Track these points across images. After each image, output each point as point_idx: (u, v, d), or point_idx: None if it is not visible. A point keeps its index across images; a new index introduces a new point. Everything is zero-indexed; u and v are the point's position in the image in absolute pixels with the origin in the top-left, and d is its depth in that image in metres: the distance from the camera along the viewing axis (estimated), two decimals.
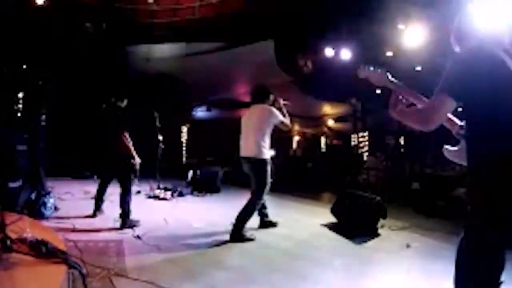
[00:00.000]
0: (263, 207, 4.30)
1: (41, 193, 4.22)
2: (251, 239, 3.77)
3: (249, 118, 4.10)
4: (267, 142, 3.96)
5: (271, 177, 4.02)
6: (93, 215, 4.34)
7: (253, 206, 3.87)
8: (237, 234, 3.72)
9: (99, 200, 4.42)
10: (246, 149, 4.00)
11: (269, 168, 3.94)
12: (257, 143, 3.89)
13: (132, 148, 4.13)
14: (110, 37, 6.89)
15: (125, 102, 4.36)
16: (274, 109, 4.03)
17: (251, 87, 4.32)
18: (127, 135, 4.10)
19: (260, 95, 4.16)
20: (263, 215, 4.35)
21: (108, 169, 4.45)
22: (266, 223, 4.36)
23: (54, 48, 6.07)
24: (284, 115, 4.14)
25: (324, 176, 10.36)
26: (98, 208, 4.41)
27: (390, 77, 1.85)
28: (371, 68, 1.82)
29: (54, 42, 6.10)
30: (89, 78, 7.56)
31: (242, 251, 3.51)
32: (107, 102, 4.33)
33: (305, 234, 4.32)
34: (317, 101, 11.21)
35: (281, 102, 4.27)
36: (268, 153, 3.96)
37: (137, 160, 4.17)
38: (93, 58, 7.24)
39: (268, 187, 3.92)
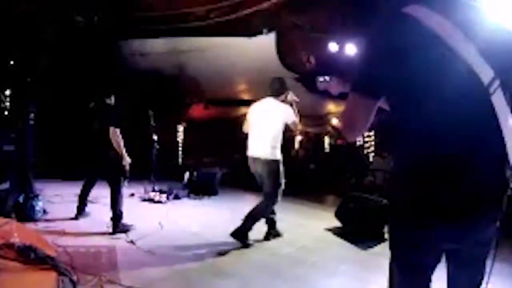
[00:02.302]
0: (273, 212, 4.14)
1: (29, 196, 4.22)
2: (248, 245, 3.74)
3: (263, 114, 3.94)
4: (279, 141, 3.90)
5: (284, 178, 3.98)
6: (75, 218, 4.32)
7: (266, 206, 3.88)
8: (241, 233, 3.72)
9: (81, 203, 4.40)
10: (258, 148, 3.90)
11: (282, 168, 3.91)
12: (271, 143, 3.84)
13: (122, 147, 4.09)
14: (102, 31, 6.88)
15: (113, 99, 4.33)
16: (289, 107, 3.94)
17: (269, 79, 4.13)
18: (117, 133, 4.05)
19: (277, 87, 4.02)
20: (271, 222, 4.15)
21: (95, 169, 4.43)
22: (272, 233, 4.16)
23: (43, 43, 6.07)
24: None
25: (328, 178, 10.36)
26: (80, 212, 4.37)
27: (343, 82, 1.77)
28: (326, 79, 1.81)
29: (43, 36, 6.09)
30: (80, 75, 7.55)
31: (242, 257, 3.51)
32: (95, 100, 4.32)
33: (308, 239, 4.32)
34: (321, 99, 11.18)
35: (294, 98, 4.10)
36: (279, 152, 3.91)
37: (127, 160, 4.14)
38: (84, 53, 7.23)
39: (282, 187, 3.91)
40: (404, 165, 1.23)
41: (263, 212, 3.88)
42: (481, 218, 1.16)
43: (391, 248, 1.32)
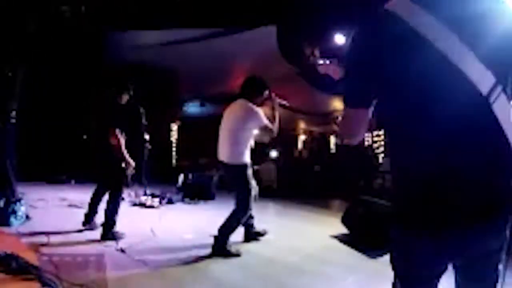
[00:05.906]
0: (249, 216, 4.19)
1: (10, 200, 4.22)
2: (237, 255, 3.70)
3: (227, 115, 3.96)
4: (246, 144, 3.83)
5: (258, 183, 3.96)
6: (83, 226, 4.23)
7: (239, 217, 3.79)
8: (220, 248, 3.67)
9: (91, 210, 4.28)
10: (221, 152, 3.92)
11: (249, 172, 3.84)
12: (235, 147, 3.80)
13: (124, 149, 4.03)
14: (89, 22, 6.89)
15: (125, 98, 4.27)
16: (256, 110, 3.80)
17: (245, 78, 4.07)
18: (118, 134, 3.98)
19: (251, 88, 3.94)
20: (248, 226, 4.26)
21: (101, 173, 4.37)
22: (252, 235, 4.29)
23: (26, 35, 6.07)
24: (272, 120, 3.89)
25: (334, 180, 10.36)
26: (88, 220, 4.25)
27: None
28: (326, 61, 1.82)
29: (26, 28, 6.10)
30: (65, 69, 7.55)
31: (241, 266, 3.51)
32: (104, 96, 4.24)
33: (313, 246, 4.32)
34: (326, 95, 11.20)
35: (277, 101, 4.00)
36: (247, 156, 3.84)
37: (131, 163, 4.07)
38: (70, 46, 7.23)
39: (253, 194, 3.84)
40: (396, 173, 1.26)
41: (236, 223, 3.78)
42: (478, 230, 1.13)
43: (391, 262, 1.38)
